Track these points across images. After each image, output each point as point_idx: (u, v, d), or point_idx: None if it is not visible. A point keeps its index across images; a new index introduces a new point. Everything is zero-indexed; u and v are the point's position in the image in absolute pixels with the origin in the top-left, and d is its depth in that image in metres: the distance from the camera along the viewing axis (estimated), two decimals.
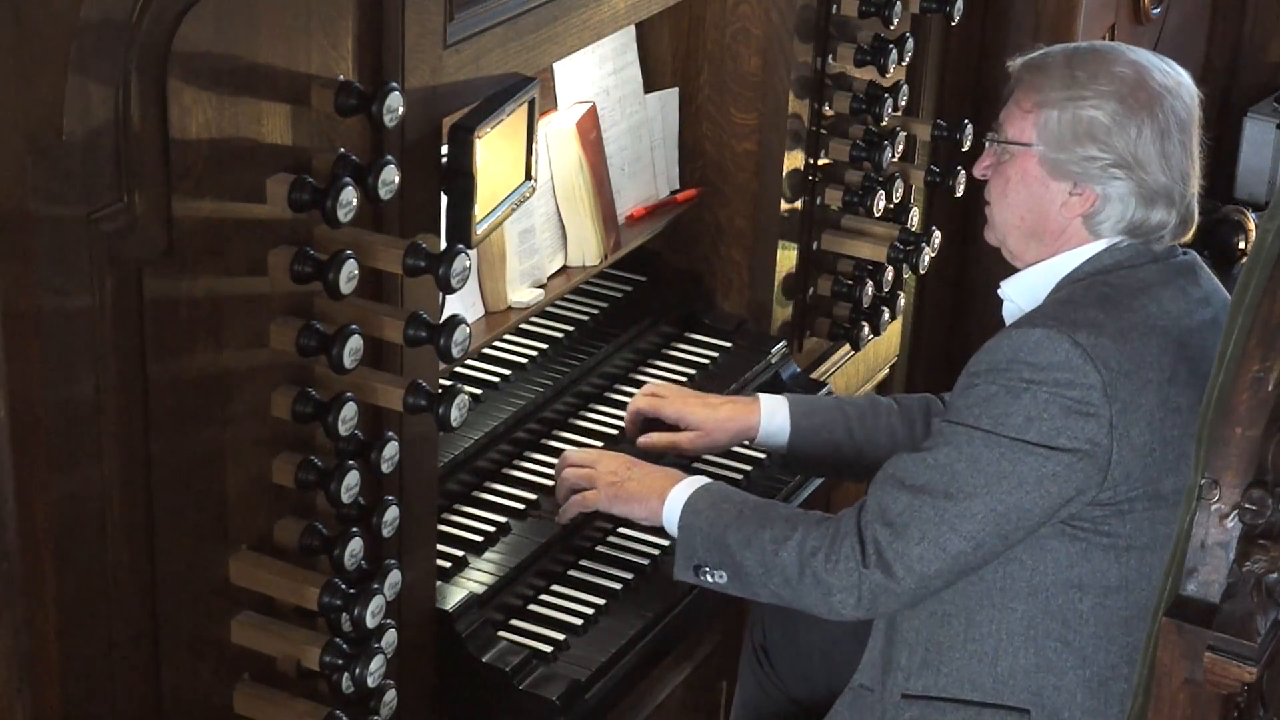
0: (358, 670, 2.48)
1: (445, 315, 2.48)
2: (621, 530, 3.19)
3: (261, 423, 2.46)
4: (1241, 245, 5.36)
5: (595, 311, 3.58)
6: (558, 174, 3.36)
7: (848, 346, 3.90)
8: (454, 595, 2.90)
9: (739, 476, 3.33)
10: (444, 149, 2.64)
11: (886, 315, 3.82)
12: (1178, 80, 2.81)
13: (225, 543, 2.47)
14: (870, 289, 3.75)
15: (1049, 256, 2.82)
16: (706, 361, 3.60)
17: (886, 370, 4.20)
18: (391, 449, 2.51)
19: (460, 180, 2.64)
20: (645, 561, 3.12)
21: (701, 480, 2.95)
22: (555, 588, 3.07)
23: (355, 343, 2.42)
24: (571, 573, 3.11)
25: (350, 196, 2.36)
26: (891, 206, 3.76)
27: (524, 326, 3.44)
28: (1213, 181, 5.72)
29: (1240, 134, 5.75)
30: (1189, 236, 2.85)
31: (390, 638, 2.54)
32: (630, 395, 3.43)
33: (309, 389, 2.46)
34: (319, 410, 2.45)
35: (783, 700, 3.33)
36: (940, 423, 2.73)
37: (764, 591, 2.81)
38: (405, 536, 2.70)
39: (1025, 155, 2.81)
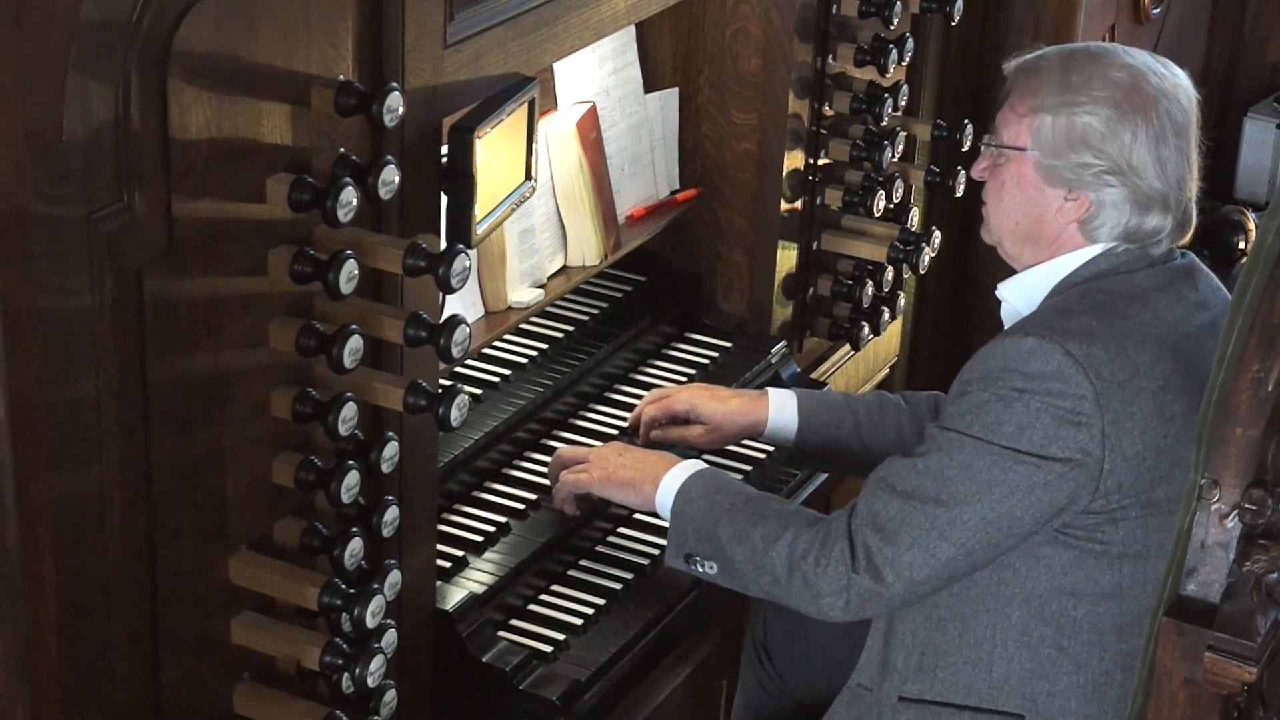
0: (358, 670, 2.48)
1: (445, 315, 2.48)
2: (621, 530, 3.19)
3: (261, 423, 2.46)
4: (1241, 245, 5.35)
5: (595, 311, 3.58)
6: (558, 174, 3.36)
7: (848, 346, 3.90)
8: (454, 595, 2.90)
9: (739, 476, 3.32)
10: (444, 149, 2.64)
11: (886, 315, 3.82)
12: (1175, 83, 2.80)
13: (225, 543, 2.47)
14: (870, 289, 3.75)
15: (1046, 260, 2.82)
16: (706, 361, 3.60)
17: (886, 370, 4.21)
18: (391, 449, 2.51)
19: (460, 180, 2.64)
20: (645, 561, 3.12)
21: (696, 465, 2.95)
22: (555, 588, 3.07)
23: (355, 343, 2.42)
24: (571, 573, 3.11)
25: (350, 196, 2.36)
26: (891, 206, 3.76)
27: (524, 326, 3.44)
28: (1213, 181, 5.71)
29: (1240, 134, 5.75)
30: (1188, 239, 2.85)
31: (390, 638, 2.54)
32: (630, 395, 3.43)
33: (309, 389, 2.46)
34: (319, 410, 2.45)
35: (784, 699, 3.33)
36: (933, 428, 2.73)
37: (754, 587, 2.81)
38: (405, 536, 2.70)
39: (1020, 159, 2.80)
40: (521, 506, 3.14)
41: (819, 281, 3.79)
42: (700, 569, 2.85)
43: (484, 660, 2.85)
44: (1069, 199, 2.77)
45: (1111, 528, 2.69)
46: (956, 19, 3.73)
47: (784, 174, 3.59)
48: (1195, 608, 2.44)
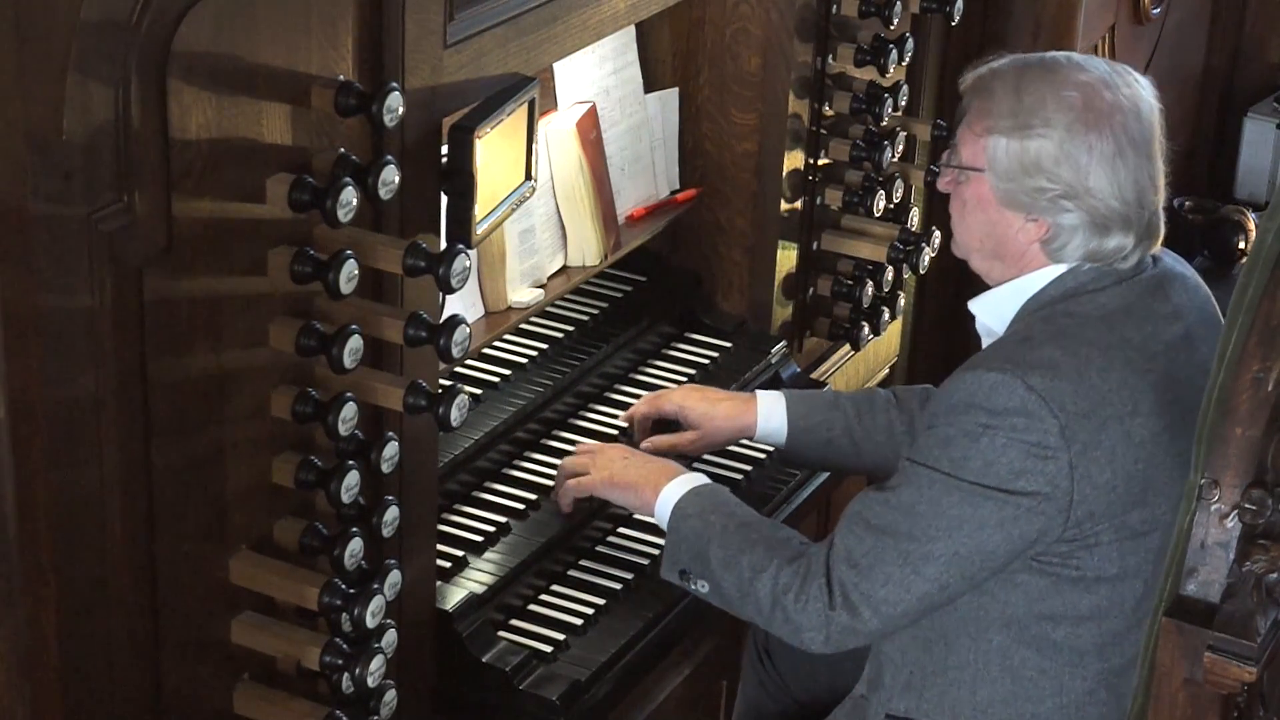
0: (358, 670, 2.48)
1: (445, 315, 2.48)
2: (621, 530, 3.19)
3: (261, 423, 2.46)
4: (1241, 245, 5.36)
5: (595, 311, 3.58)
6: (558, 174, 3.36)
7: (848, 346, 3.90)
8: (454, 595, 2.90)
9: (739, 476, 3.33)
10: (444, 149, 2.64)
11: (886, 315, 3.82)
12: (1132, 94, 2.74)
13: (225, 543, 2.47)
14: (870, 289, 3.75)
15: (1013, 277, 2.78)
16: (706, 361, 3.60)
17: (886, 370, 4.20)
18: (391, 449, 2.51)
19: (460, 180, 2.64)
20: (645, 561, 3.12)
21: (695, 480, 2.95)
22: (555, 588, 3.07)
23: (355, 343, 2.42)
24: (571, 573, 3.11)
25: (350, 196, 2.36)
26: (891, 206, 3.76)
27: (524, 326, 3.44)
28: (1213, 181, 5.71)
29: (1240, 134, 5.75)
30: (1158, 246, 2.80)
31: (390, 638, 2.54)
32: (630, 395, 3.43)
33: (309, 389, 2.46)
34: (319, 410, 2.45)
35: (785, 699, 3.33)
36: (904, 461, 2.72)
37: (741, 612, 2.83)
38: (405, 536, 2.70)
39: (979, 179, 2.76)
40: (521, 506, 3.14)
41: (819, 281, 3.79)
42: (693, 586, 2.87)
43: (484, 660, 2.85)
44: (1029, 220, 2.74)
45: (1086, 553, 2.67)
46: (956, 19, 3.73)
47: (784, 174, 3.59)
48: (1195, 608, 2.44)
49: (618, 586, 3.07)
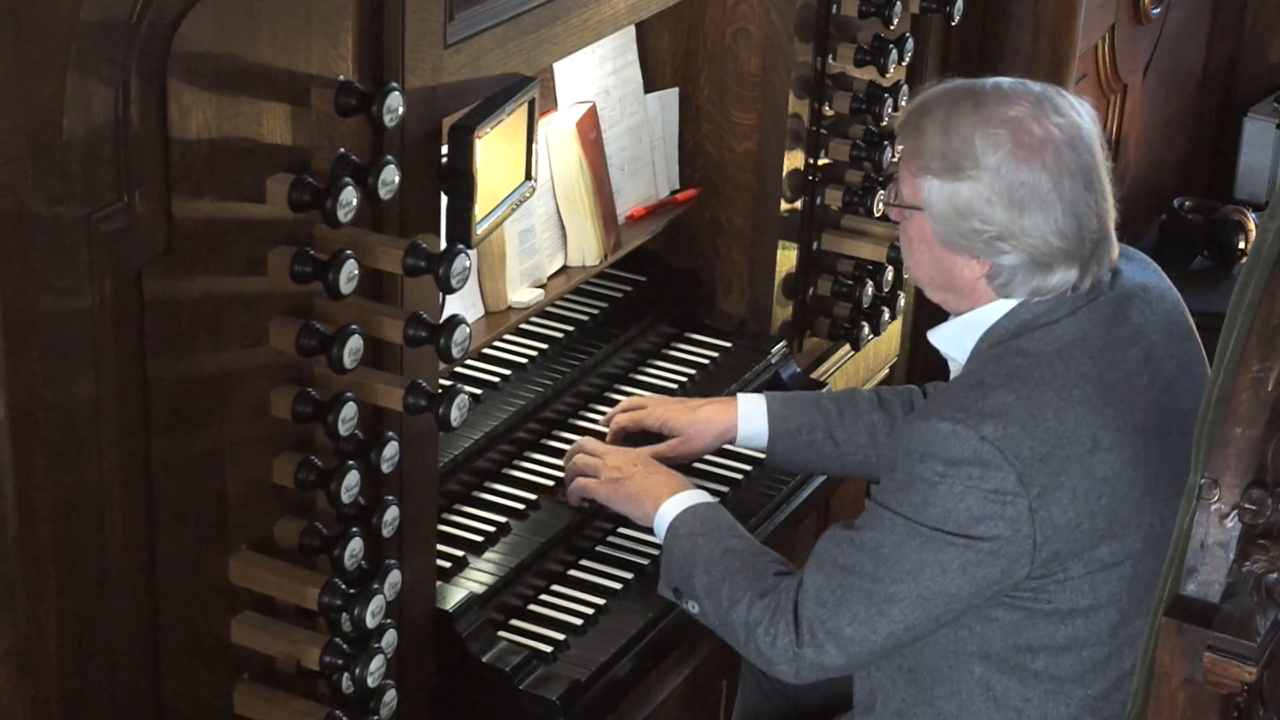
0: (358, 670, 2.48)
1: (445, 315, 2.48)
2: (621, 530, 3.19)
3: (261, 423, 2.46)
4: (1241, 245, 5.36)
5: (595, 311, 3.58)
6: (558, 174, 3.36)
7: (848, 346, 3.90)
8: (454, 595, 2.90)
9: (739, 477, 3.33)
10: (444, 149, 2.64)
11: (886, 315, 3.82)
12: (1066, 122, 2.66)
13: (225, 543, 2.47)
14: (870, 289, 3.75)
15: (968, 309, 2.75)
16: (706, 361, 3.60)
17: (886, 370, 4.20)
18: (391, 449, 2.51)
19: (460, 180, 2.64)
20: (645, 561, 3.12)
21: (694, 499, 2.95)
22: (555, 588, 3.07)
23: (355, 343, 2.42)
24: (571, 573, 3.11)
25: (350, 196, 2.36)
26: None
27: (524, 326, 3.44)
28: (1213, 181, 5.71)
29: (1240, 134, 5.75)
30: (1114, 257, 2.74)
31: (390, 638, 2.54)
32: (630, 395, 3.42)
33: (309, 389, 2.46)
34: (319, 410, 2.45)
35: (784, 705, 3.33)
36: (870, 502, 2.70)
37: (724, 637, 2.84)
38: (405, 536, 2.70)
39: (920, 217, 2.72)
40: (521, 506, 3.14)
41: (819, 281, 3.79)
42: (685, 604, 2.88)
43: (484, 660, 2.85)
44: (971, 258, 2.70)
45: (1057, 587, 2.66)
46: (956, 19, 3.73)
47: (784, 174, 3.59)
48: (1195, 608, 2.44)
49: (618, 586, 3.07)
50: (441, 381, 2.79)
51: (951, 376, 2.83)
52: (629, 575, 3.09)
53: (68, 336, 2.15)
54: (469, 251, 2.57)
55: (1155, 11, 5.12)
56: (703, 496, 2.97)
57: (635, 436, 3.24)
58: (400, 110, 2.41)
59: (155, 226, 2.22)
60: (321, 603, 2.47)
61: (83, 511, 2.25)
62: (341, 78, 2.40)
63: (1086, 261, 2.68)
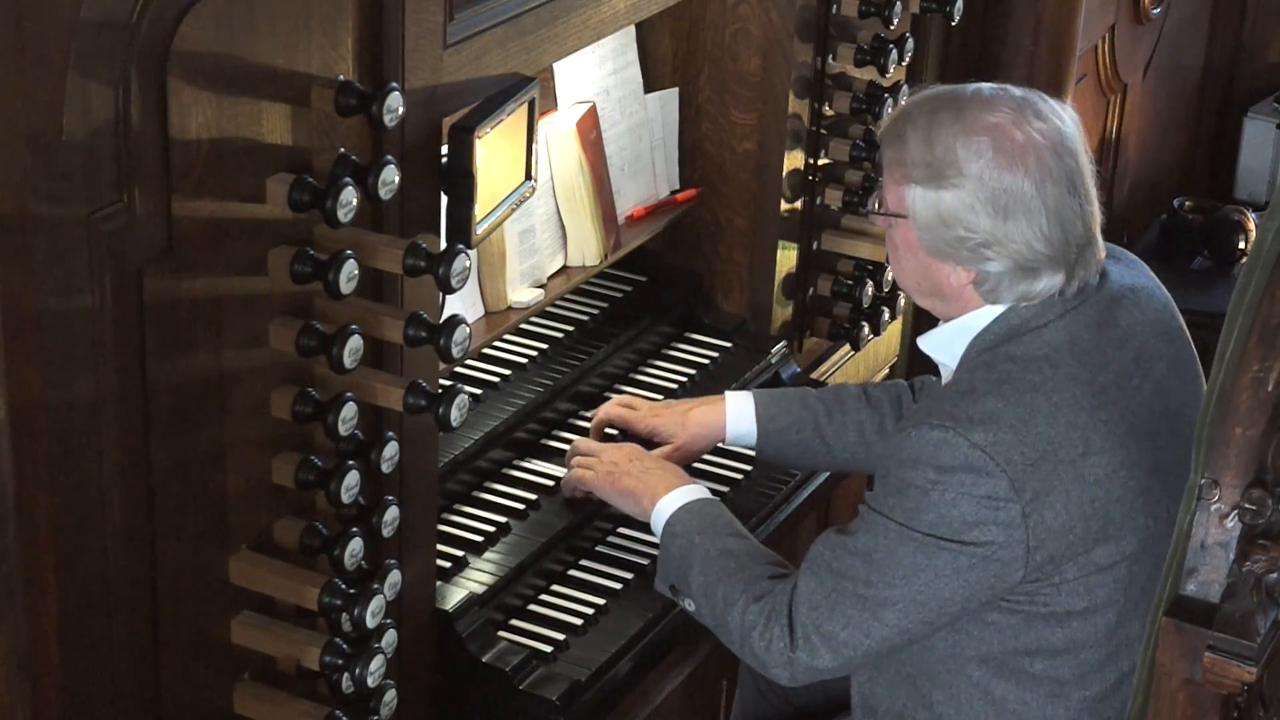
0: (358, 670, 2.48)
1: (445, 315, 2.48)
2: (621, 530, 3.19)
3: (261, 423, 2.46)
4: (1241, 245, 5.36)
5: (595, 311, 3.58)
6: (558, 174, 3.36)
7: (848, 346, 3.90)
8: (454, 595, 2.90)
9: (739, 477, 3.33)
10: (444, 149, 2.64)
11: (886, 315, 3.82)
12: (1047, 127, 2.66)
13: (225, 543, 2.47)
14: (870, 289, 3.75)
15: (957, 315, 2.75)
16: (706, 361, 3.60)
17: (886, 370, 4.20)
18: (391, 449, 2.51)
19: (460, 180, 2.64)
20: (645, 561, 3.12)
21: (692, 495, 2.95)
22: (555, 588, 3.07)
23: (355, 343, 2.42)
24: (571, 573, 3.11)
25: (350, 196, 2.36)
26: None
27: (524, 326, 3.44)
28: (1213, 181, 5.70)
29: (1240, 134, 5.75)
30: (1101, 259, 2.73)
31: (390, 638, 2.54)
32: (630, 395, 3.42)
33: (309, 389, 2.46)
34: (319, 410, 2.45)
35: (782, 706, 3.33)
36: (863, 506, 2.71)
37: (720, 637, 2.84)
38: (405, 536, 2.70)
39: (905, 225, 2.72)
40: (521, 506, 3.14)
41: (819, 281, 3.79)
42: (681, 601, 2.88)
43: (484, 660, 2.85)
44: (957, 265, 2.70)
45: (1053, 590, 2.66)
46: (956, 19, 3.73)
47: (784, 174, 3.59)
48: (1195, 608, 2.43)
49: (618, 586, 3.07)
50: (441, 381, 2.79)
51: (943, 382, 2.83)
52: (629, 575, 3.10)
53: (68, 336, 2.15)
54: (469, 251, 2.57)
55: (1155, 11, 5.12)
56: (700, 492, 2.97)
57: (619, 439, 3.24)
58: (400, 110, 2.41)
59: (155, 226, 2.22)
60: (321, 603, 2.47)
61: (83, 511, 2.25)
62: (341, 78, 2.40)
63: (1072, 266, 2.68)
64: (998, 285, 2.68)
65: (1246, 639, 2.39)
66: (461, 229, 2.67)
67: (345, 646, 2.49)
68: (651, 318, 3.63)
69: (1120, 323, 2.73)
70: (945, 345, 2.79)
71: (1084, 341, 2.68)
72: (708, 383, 3.52)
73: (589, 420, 3.37)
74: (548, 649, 2.92)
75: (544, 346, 3.44)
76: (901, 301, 3.86)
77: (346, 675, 2.48)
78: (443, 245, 2.66)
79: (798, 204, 3.67)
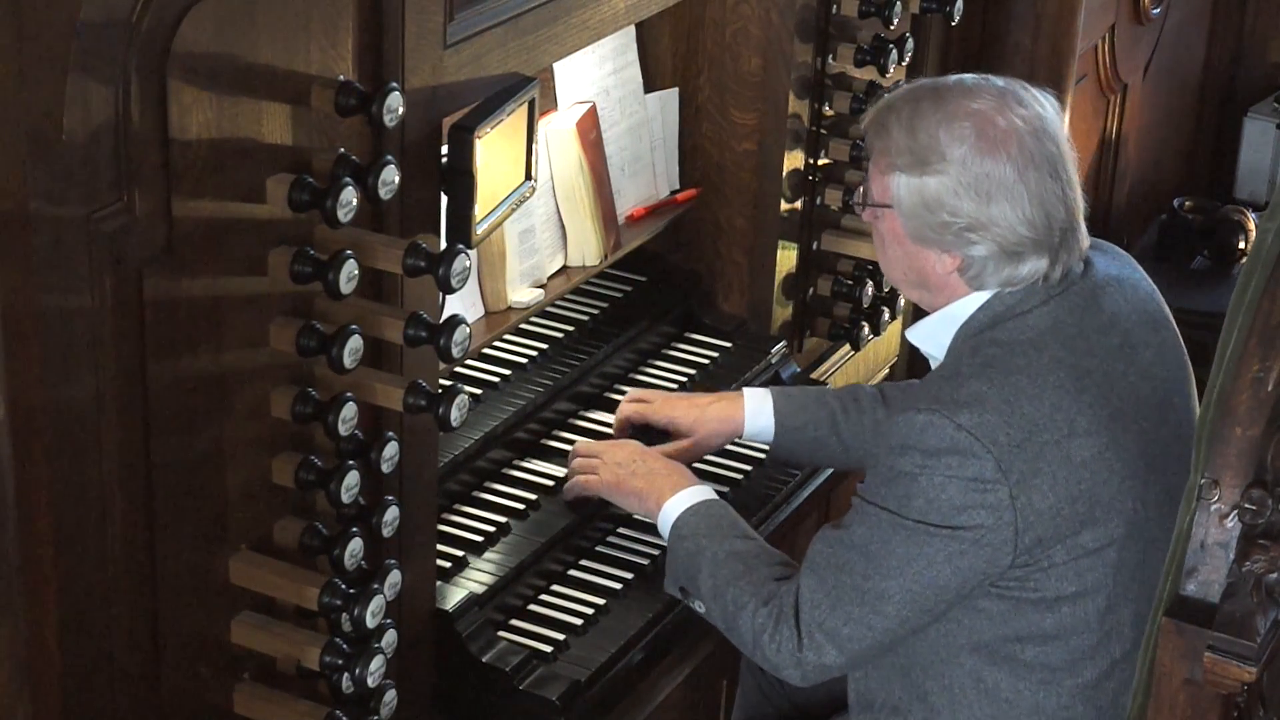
0: (358, 670, 2.48)
1: (445, 315, 2.48)
2: (622, 530, 3.19)
3: (261, 423, 2.46)
4: (1241, 245, 5.36)
5: (595, 311, 3.58)
6: (558, 174, 3.36)
7: (848, 346, 3.90)
8: (454, 595, 2.90)
9: (739, 476, 3.33)
10: (444, 149, 2.64)
11: (886, 315, 3.82)
12: (1029, 114, 2.69)
13: (225, 543, 2.47)
14: (870, 289, 3.76)
15: (943, 305, 2.77)
16: (706, 361, 3.60)
17: (887, 370, 4.21)
18: (391, 449, 2.51)
19: (460, 180, 2.64)
20: (645, 561, 3.12)
21: (698, 496, 2.95)
22: (555, 588, 3.07)
23: (355, 343, 2.42)
24: (571, 573, 3.11)
25: (350, 196, 2.36)
26: None
27: (524, 326, 3.44)
28: (1213, 181, 5.70)
29: (1240, 134, 5.75)
30: (1084, 249, 2.75)
31: (390, 638, 2.54)
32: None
33: (309, 389, 2.46)
34: (319, 410, 2.45)
35: (783, 705, 3.33)
36: (856, 498, 2.72)
37: (731, 640, 2.85)
38: (405, 536, 2.70)
39: (890, 215, 2.75)
40: (521, 506, 3.14)
41: (819, 281, 3.79)
42: (691, 603, 2.90)
43: (484, 660, 2.85)
44: (942, 253, 2.72)
45: (1042, 575, 2.67)
46: (956, 19, 3.73)
47: (784, 174, 3.59)
48: (1195, 608, 2.44)
49: (618, 586, 3.07)
50: (441, 381, 2.79)
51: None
52: (629, 575, 3.09)
53: (68, 336, 2.15)
54: (469, 251, 2.57)
55: (1155, 11, 5.12)
56: (706, 493, 2.97)
57: (640, 434, 3.24)
58: (400, 110, 2.41)
59: (155, 226, 2.22)
60: (321, 603, 2.47)
61: (83, 511, 2.25)
62: (341, 78, 2.40)
63: (1056, 250, 2.70)
64: (982, 270, 2.71)
65: (1246, 639, 2.39)
66: (461, 229, 2.67)
67: (345, 646, 2.49)
68: (651, 318, 3.63)
69: (1105, 309, 2.75)
70: (932, 336, 2.81)
71: (1068, 327, 2.70)
72: (708, 383, 3.52)
73: (589, 420, 3.37)
74: (548, 649, 2.92)
75: (544, 346, 3.44)
76: (901, 301, 3.86)
77: (346, 675, 2.48)
78: (443, 245, 2.66)
79: (798, 204, 3.67)
